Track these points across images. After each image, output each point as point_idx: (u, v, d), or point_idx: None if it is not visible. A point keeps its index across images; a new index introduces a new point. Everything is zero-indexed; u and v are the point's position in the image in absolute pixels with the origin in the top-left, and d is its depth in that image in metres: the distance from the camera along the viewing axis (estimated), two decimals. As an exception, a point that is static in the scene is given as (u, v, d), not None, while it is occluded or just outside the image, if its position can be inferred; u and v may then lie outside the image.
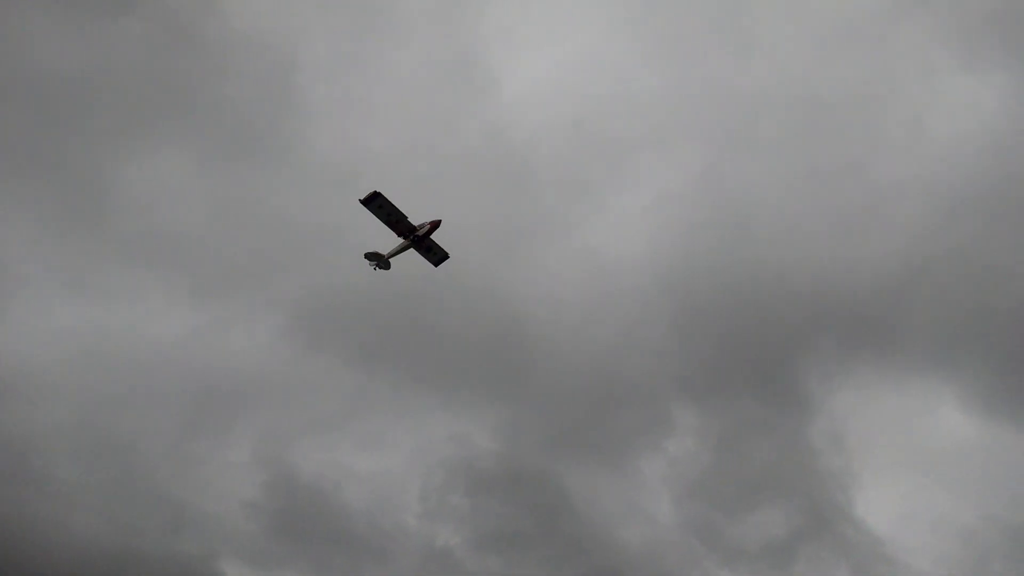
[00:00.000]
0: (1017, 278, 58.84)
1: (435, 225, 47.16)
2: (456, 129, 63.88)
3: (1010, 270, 59.04)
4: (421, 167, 64.01)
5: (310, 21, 65.84)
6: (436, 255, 48.13)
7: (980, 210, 58.77)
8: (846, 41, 62.48)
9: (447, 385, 63.38)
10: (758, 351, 63.34)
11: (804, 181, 61.63)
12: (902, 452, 61.85)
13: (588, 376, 64.40)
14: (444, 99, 65.19)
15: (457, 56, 66.17)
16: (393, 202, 44.68)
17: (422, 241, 47.52)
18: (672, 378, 64.19)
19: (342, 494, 60.15)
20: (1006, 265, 59.15)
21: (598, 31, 66.55)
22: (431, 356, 62.83)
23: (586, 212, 64.14)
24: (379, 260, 48.49)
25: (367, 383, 63.04)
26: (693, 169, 63.52)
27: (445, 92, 65.42)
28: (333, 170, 61.53)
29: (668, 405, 64.36)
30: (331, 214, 62.62)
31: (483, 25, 67.29)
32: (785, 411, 63.06)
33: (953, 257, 59.72)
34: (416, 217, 45.66)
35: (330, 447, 62.16)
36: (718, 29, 64.14)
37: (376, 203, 45.08)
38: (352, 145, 63.22)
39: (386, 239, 46.82)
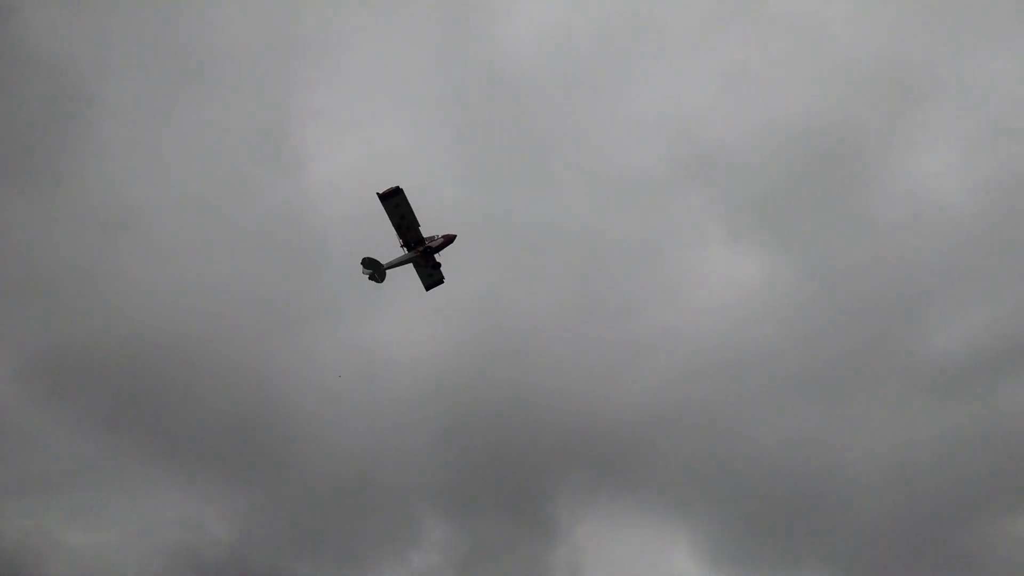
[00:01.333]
0: (750, 440, 63.86)
1: (448, 240, 44.10)
2: (251, 199, 62.25)
3: (745, 432, 64.11)
4: (207, 228, 61.57)
5: (116, 59, 62.76)
6: (434, 277, 45.05)
7: (726, 372, 63.97)
8: (633, 197, 67.79)
9: (185, 463, 59.14)
10: (513, 473, 64.32)
11: (578, 317, 64.83)
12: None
13: (343, 474, 62.63)
14: (244, 167, 63.62)
15: (266, 127, 65.25)
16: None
17: (429, 256, 44.32)
18: (427, 489, 63.77)
19: (45, 568, 54.58)
20: (742, 427, 64.24)
21: (409, 133, 67.92)
22: (173, 429, 58.65)
23: (368, 309, 63.60)
24: (375, 269, 44.38)
25: (95, 447, 57.69)
26: (478, 285, 64.85)
27: (246, 160, 63.89)
28: (104, 213, 57.83)
29: (419, 516, 63.79)
30: (94, 258, 58.50)
31: (299, 102, 67.25)
32: (531, 536, 63.93)
33: (698, 411, 64.24)
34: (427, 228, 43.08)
35: (39, 512, 56.24)
36: (521, 159, 67.70)
37: (394, 200, 41.46)
38: (131, 191, 60.00)
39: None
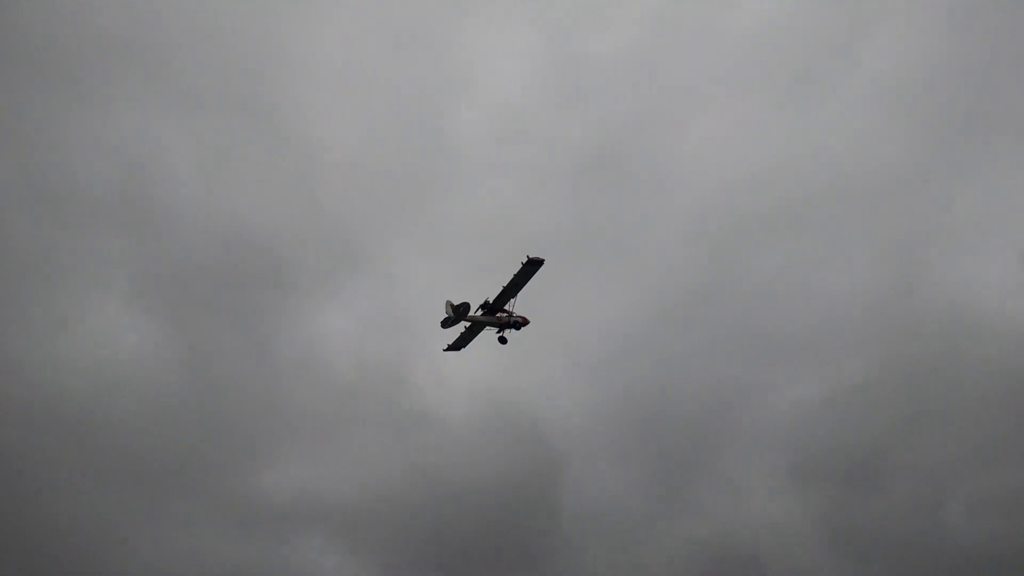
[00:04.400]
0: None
1: (525, 322, 44.49)
2: None
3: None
4: None
5: None
6: (466, 343, 44.72)
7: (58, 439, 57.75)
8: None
9: None
10: None
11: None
12: None
13: None
14: None
15: None
16: None
17: (503, 328, 44.19)
18: None
19: None
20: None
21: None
22: None
23: None
24: (456, 314, 42.83)
25: None
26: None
27: None
28: None
29: None
30: None
31: None
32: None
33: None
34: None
35: None
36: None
37: (533, 269, 41.12)
38: None
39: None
